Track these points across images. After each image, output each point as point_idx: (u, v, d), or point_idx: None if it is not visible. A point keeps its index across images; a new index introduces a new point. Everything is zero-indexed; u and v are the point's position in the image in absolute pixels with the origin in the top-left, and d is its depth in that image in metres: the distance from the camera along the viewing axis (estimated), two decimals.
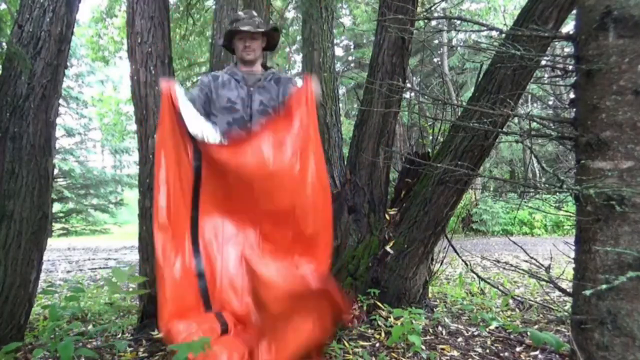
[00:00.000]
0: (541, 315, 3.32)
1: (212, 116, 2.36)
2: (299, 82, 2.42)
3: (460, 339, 2.76)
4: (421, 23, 4.44)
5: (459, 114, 3.43)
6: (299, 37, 8.92)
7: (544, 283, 3.49)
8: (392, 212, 3.42)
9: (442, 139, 3.57)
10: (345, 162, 3.67)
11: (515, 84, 2.80)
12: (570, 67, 1.69)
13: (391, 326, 2.76)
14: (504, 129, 2.82)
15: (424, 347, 2.52)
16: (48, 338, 2.61)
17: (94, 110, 20.70)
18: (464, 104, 3.70)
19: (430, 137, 4.61)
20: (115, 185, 18.94)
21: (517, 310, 3.54)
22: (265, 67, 2.49)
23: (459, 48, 14.19)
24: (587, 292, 1.46)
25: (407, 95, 6.61)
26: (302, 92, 2.13)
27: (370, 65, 3.52)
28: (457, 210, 3.71)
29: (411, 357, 2.45)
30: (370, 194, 3.42)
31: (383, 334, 2.78)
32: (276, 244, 2.12)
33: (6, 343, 2.43)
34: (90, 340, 2.78)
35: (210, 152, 2.12)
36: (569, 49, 1.72)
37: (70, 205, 17.83)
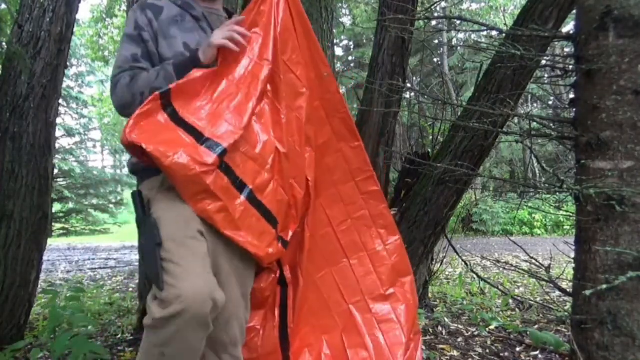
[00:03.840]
0: (541, 315, 3.32)
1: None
2: None
3: (460, 339, 2.76)
4: (421, 23, 4.43)
5: (459, 114, 3.43)
6: None
7: (544, 283, 3.49)
8: (392, 212, 3.42)
9: (442, 139, 3.56)
10: None
11: (515, 84, 2.80)
12: (570, 67, 1.69)
13: None
14: (504, 129, 2.82)
15: (424, 347, 2.51)
16: (48, 338, 2.61)
17: (94, 110, 20.68)
18: (464, 104, 3.70)
19: (430, 137, 4.61)
20: (115, 185, 18.89)
21: (517, 310, 3.53)
22: (228, 11, 1.80)
23: (459, 48, 14.19)
24: (587, 292, 1.46)
25: (407, 95, 6.61)
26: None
27: (370, 65, 3.51)
28: (457, 210, 3.71)
29: None
30: None
31: None
32: None
33: (6, 343, 2.43)
34: (90, 340, 2.78)
35: None
36: (569, 49, 1.72)
37: (70, 205, 17.79)
